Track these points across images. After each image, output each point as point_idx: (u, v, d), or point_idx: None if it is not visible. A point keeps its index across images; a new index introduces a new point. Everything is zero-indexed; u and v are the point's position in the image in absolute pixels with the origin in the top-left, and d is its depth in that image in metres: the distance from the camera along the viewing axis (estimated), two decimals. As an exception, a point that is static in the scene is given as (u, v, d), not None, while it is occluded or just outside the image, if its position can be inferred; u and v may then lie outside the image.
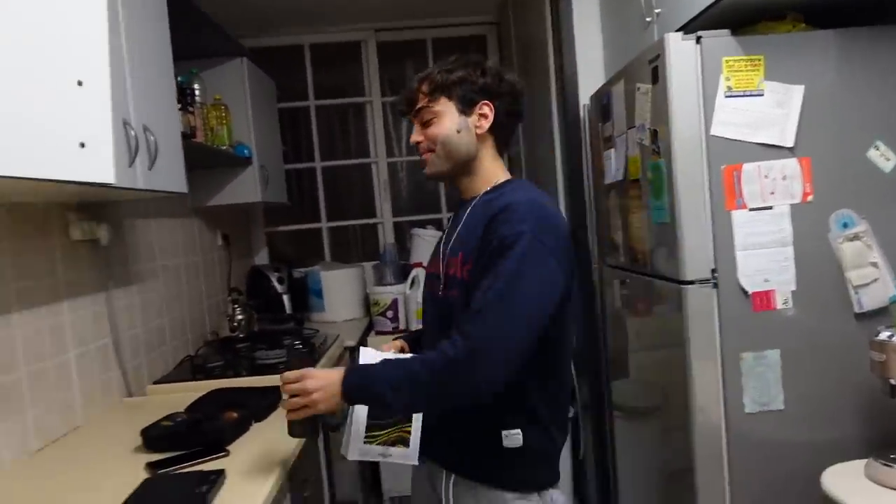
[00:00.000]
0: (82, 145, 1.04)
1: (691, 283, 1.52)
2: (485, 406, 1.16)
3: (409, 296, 3.01)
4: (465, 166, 1.29)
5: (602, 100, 2.05)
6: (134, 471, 1.34)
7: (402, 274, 3.20)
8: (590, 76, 2.31)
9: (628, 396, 2.11)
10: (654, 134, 1.62)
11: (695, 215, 1.51)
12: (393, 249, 3.41)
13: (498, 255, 1.12)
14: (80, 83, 1.03)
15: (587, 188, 2.33)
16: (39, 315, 1.59)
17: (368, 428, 1.25)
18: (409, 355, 1.26)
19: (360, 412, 1.25)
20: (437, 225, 3.57)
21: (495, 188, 1.29)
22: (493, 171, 1.30)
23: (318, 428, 1.26)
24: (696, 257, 1.52)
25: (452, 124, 1.26)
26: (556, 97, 2.45)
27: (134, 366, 2.04)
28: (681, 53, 1.51)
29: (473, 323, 1.09)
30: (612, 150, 1.96)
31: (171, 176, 1.75)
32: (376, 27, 3.50)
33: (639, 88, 1.70)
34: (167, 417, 1.57)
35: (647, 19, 1.84)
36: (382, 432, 1.24)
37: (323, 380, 1.16)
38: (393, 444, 1.25)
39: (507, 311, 1.09)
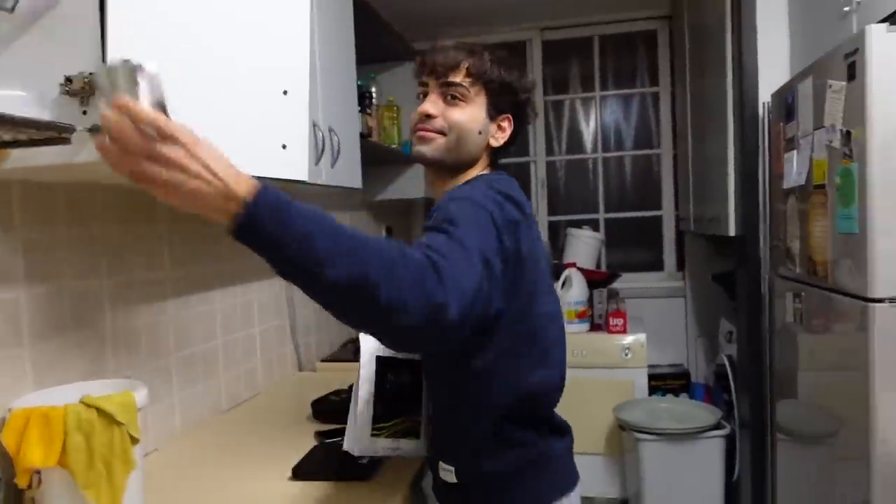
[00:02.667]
0: (284, 147, 1.18)
1: (880, 301, 1.37)
2: (437, 436, 1.07)
3: (561, 295, 2.99)
4: (459, 168, 1.13)
5: (786, 98, 1.90)
6: (305, 437, 1.49)
7: (555, 274, 3.19)
8: (772, 72, 2.15)
9: (796, 419, 1.95)
10: (847, 136, 1.48)
11: (889, 226, 1.36)
12: (547, 248, 3.41)
13: (438, 211, 0.95)
14: (285, 92, 1.16)
15: (762, 192, 2.17)
16: (235, 293, 1.82)
17: (375, 419, 1.12)
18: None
19: (362, 404, 1.11)
20: (594, 225, 3.52)
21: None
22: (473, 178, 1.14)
23: None
24: (887, 272, 1.36)
25: (477, 122, 1.11)
26: (733, 94, 2.30)
27: (305, 344, 2.26)
28: (884, 47, 1.37)
29: (434, 237, 0.87)
30: (795, 152, 1.81)
31: (349, 173, 1.91)
32: (542, 26, 3.51)
33: (830, 86, 1.56)
34: (334, 393, 1.73)
35: (846, 9, 1.68)
36: (389, 423, 1.13)
37: (221, 161, 0.73)
38: (403, 435, 1.13)
39: (460, 242, 0.86)
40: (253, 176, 0.75)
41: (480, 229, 0.91)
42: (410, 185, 2.83)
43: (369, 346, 1.17)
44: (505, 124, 1.15)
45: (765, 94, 2.13)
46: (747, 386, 2.29)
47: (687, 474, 2.58)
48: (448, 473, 1.08)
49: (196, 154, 0.71)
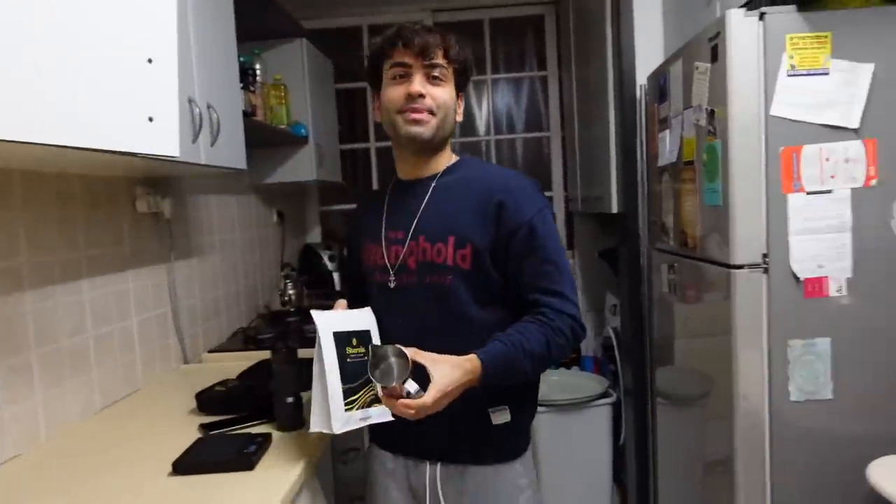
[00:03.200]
0: (151, 119, 1.09)
1: (740, 267, 1.48)
2: (471, 391, 1.15)
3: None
4: (442, 144, 1.28)
5: (659, 80, 2.00)
6: (188, 431, 1.42)
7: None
8: (648, 56, 2.25)
9: (673, 384, 2.08)
10: (712, 114, 1.58)
11: (749, 198, 1.47)
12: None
13: (534, 235, 1.20)
14: (150, 60, 1.08)
15: (640, 170, 2.28)
16: (106, 282, 1.69)
17: (343, 394, 1.15)
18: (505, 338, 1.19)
19: (333, 380, 1.14)
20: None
21: (456, 166, 1.30)
22: (448, 154, 1.32)
23: None
24: (747, 241, 1.48)
25: (453, 100, 1.25)
26: (613, 77, 2.40)
27: (191, 334, 2.14)
28: (742, 31, 1.47)
29: (564, 303, 1.19)
30: (668, 131, 1.92)
31: (231, 153, 1.81)
32: (434, 7, 3.50)
33: (697, 68, 1.66)
34: (220, 383, 1.65)
35: (709, -4, 1.79)
36: (357, 396, 1.17)
37: (457, 389, 1.10)
38: (370, 404, 1.17)
39: (571, 283, 1.22)
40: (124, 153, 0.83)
41: (568, 269, 1.23)
42: (301, 167, 2.75)
43: (326, 322, 1.19)
44: (461, 100, 1.30)
45: (642, 78, 2.24)
46: (630, 355, 2.42)
47: (578, 441, 2.71)
48: (503, 414, 1.25)
49: (450, 396, 1.09)
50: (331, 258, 3.26)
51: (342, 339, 1.19)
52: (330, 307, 1.28)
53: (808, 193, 1.45)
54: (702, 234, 1.70)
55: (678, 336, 2.00)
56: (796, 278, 1.46)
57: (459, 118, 1.29)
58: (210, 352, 2.22)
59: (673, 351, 2.05)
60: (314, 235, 3.65)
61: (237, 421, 1.45)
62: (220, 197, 2.47)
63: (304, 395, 1.43)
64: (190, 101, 1.53)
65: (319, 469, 1.37)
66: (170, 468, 1.20)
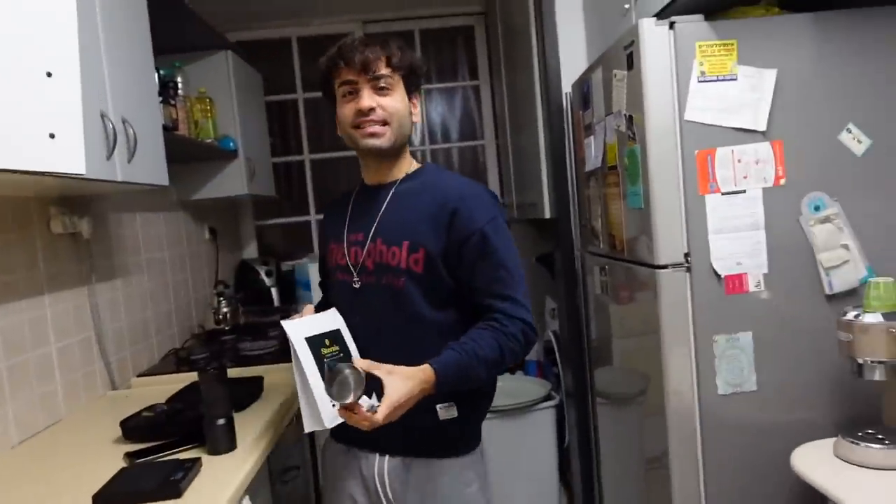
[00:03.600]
0: (52, 136, 1.04)
1: (664, 267, 1.53)
2: None
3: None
4: (402, 149, 1.36)
5: (582, 87, 2.05)
6: (113, 461, 1.36)
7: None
8: (572, 65, 2.31)
9: (611, 384, 2.13)
10: (630, 120, 1.63)
11: (668, 200, 1.52)
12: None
13: (486, 242, 1.27)
14: (49, 74, 1.03)
15: (570, 177, 2.33)
16: (19, 308, 1.60)
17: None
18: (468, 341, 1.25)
19: (316, 382, 1.20)
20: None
21: (416, 173, 1.38)
22: (409, 159, 1.39)
23: None
24: (669, 242, 1.52)
25: (405, 105, 1.31)
26: (540, 86, 2.44)
27: (118, 359, 2.05)
28: (654, 39, 1.52)
29: (516, 308, 1.26)
30: (592, 137, 1.97)
31: (151, 169, 1.75)
32: (364, 19, 3.49)
33: (615, 75, 1.71)
34: (148, 408, 1.59)
35: (626, 6, 1.85)
36: None
37: (411, 400, 1.15)
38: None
39: (523, 288, 1.28)
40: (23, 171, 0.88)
41: (521, 274, 1.30)
42: (231, 182, 2.68)
43: (296, 330, 1.25)
44: (416, 101, 1.35)
45: (567, 86, 2.29)
46: (570, 358, 2.46)
47: (524, 445, 2.73)
48: (450, 410, 1.29)
49: (403, 407, 1.14)
50: (268, 273, 3.19)
51: (315, 342, 1.25)
52: (270, 323, 1.30)
53: (724, 194, 1.51)
54: (628, 237, 1.74)
55: (614, 336, 2.04)
56: (717, 276, 1.52)
57: (417, 119, 1.36)
58: (139, 375, 2.13)
59: (610, 351, 2.09)
60: (251, 251, 3.57)
61: (165, 447, 1.39)
62: (145, 215, 2.38)
63: (238, 416, 1.39)
64: (102, 115, 1.47)
65: (255, 490, 1.33)
66: (90, 502, 1.14)
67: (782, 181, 1.51)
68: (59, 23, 1.04)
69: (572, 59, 2.33)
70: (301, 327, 1.26)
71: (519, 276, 1.29)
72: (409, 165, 1.39)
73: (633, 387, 1.86)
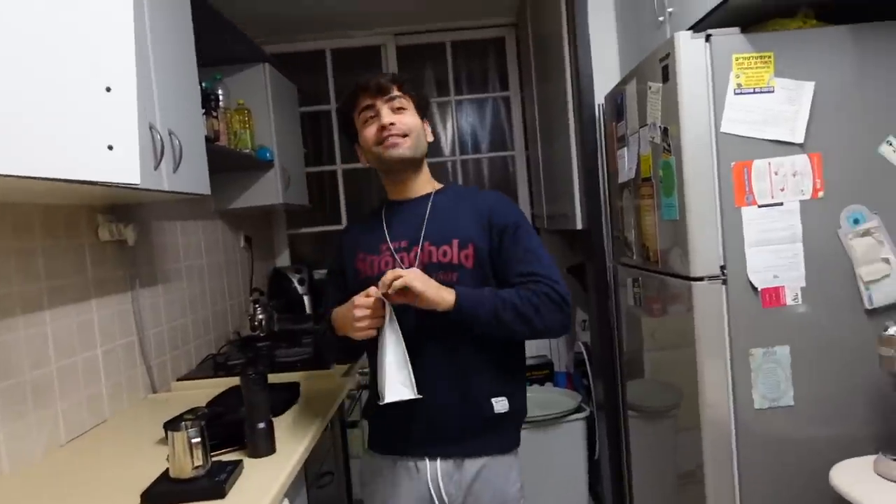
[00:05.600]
0: (110, 148, 1.09)
1: (700, 279, 1.53)
2: (472, 382, 1.36)
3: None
4: (420, 162, 1.48)
5: (616, 99, 2.06)
6: (157, 461, 1.39)
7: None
8: (605, 76, 2.32)
9: (643, 396, 2.12)
10: (665, 132, 1.63)
11: (704, 212, 1.52)
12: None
13: (518, 231, 1.39)
14: (108, 89, 1.08)
15: (602, 188, 2.34)
16: (69, 312, 1.66)
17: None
18: None
19: (396, 348, 1.30)
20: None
21: (445, 189, 1.51)
22: (429, 176, 1.51)
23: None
24: (705, 254, 1.52)
25: (418, 122, 1.45)
26: (572, 97, 2.46)
27: (159, 363, 2.11)
28: (690, 52, 1.52)
29: (552, 275, 1.34)
30: (626, 148, 1.98)
31: (194, 178, 1.81)
32: (396, 31, 3.55)
33: (650, 87, 1.72)
34: (189, 411, 1.62)
35: (660, 19, 1.86)
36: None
37: (430, 283, 1.29)
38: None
39: (550, 265, 1.38)
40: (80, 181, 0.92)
41: (548, 257, 1.40)
42: (266, 191, 2.74)
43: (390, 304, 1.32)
44: (427, 123, 1.49)
45: (600, 97, 2.30)
46: (601, 370, 2.45)
47: (554, 456, 2.72)
48: (502, 403, 1.37)
49: (422, 279, 1.29)
50: (300, 281, 3.25)
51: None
52: (303, 331, 1.35)
53: (760, 206, 1.50)
54: (662, 248, 1.74)
55: (646, 349, 2.04)
56: (754, 288, 1.51)
57: (430, 138, 1.49)
58: (179, 380, 2.18)
59: (642, 364, 2.08)
60: (283, 259, 3.63)
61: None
62: (185, 223, 2.45)
63: (275, 420, 1.42)
64: (151, 127, 1.53)
65: (293, 494, 1.36)
66: (139, 500, 1.18)
67: (820, 194, 1.50)
68: (118, 40, 1.09)
69: (605, 70, 2.34)
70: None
71: (546, 257, 1.39)
72: (431, 182, 1.51)
73: (666, 400, 1.85)
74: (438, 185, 1.51)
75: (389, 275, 1.26)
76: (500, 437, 1.41)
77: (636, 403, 2.19)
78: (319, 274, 3.39)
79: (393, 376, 1.29)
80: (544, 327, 1.32)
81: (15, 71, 0.93)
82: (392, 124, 1.39)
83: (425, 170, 1.50)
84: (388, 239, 1.44)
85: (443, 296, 1.28)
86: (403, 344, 1.30)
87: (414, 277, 1.26)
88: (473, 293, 1.31)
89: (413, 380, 1.29)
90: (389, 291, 1.27)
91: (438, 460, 1.39)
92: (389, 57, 3.59)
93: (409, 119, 1.42)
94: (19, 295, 1.49)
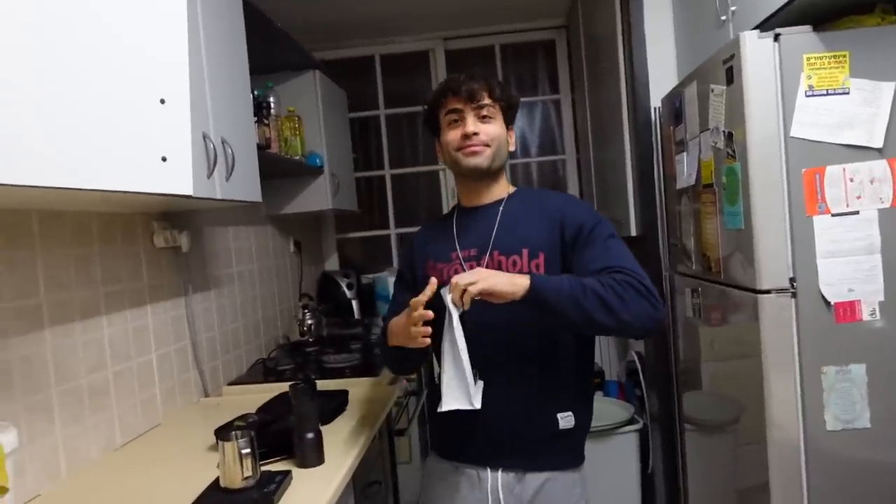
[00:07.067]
0: (164, 159, 1.10)
1: (767, 292, 1.45)
2: (540, 395, 1.32)
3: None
4: (499, 171, 1.44)
5: (674, 102, 1.99)
6: (209, 467, 1.40)
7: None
8: (661, 78, 2.25)
9: (700, 409, 2.03)
10: (730, 137, 1.56)
11: (772, 221, 1.44)
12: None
13: (594, 231, 1.31)
14: (162, 101, 1.09)
15: (658, 193, 2.26)
16: (125, 318, 1.70)
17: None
18: None
19: (458, 354, 1.21)
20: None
21: (517, 193, 1.45)
22: (505, 182, 1.47)
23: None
24: (772, 265, 1.44)
25: (503, 132, 1.41)
26: (627, 100, 2.39)
27: (210, 367, 2.14)
28: (757, 52, 1.45)
29: (637, 269, 1.23)
30: (684, 153, 1.90)
31: (246, 186, 1.82)
32: (445, 36, 3.53)
33: (712, 90, 1.64)
34: (239, 418, 1.63)
35: (722, 18, 1.78)
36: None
37: (500, 276, 1.20)
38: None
39: (633, 262, 1.26)
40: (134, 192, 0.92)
41: (631, 256, 1.29)
42: (316, 197, 2.75)
43: (451, 304, 1.22)
44: (512, 132, 1.45)
45: (656, 100, 2.22)
46: (655, 380, 2.37)
47: (606, 469, 2.64)
48: (568, 419, 1.33)
49: (494, 276, 1.20)
50: (349, 286, 3.25)
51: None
52: (351, 336, 1.31)
53: (834, 215, 1.41)
54: (725, 258, 1.66)
55: (704, 360, 1.95)
56: (826, 302, 1.42)
57: (512, 148, 1.46)
58: (230, 384, 2.21)
59: (700, 375, 2.00)
60: (332, 263, 3.65)
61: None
62: (237, 228, 2.48)
63: (324, 429, 1.41)
64: (204, 136, 1.54)
65: (341, 505, 1.35)
66: (190, 509, 1.19)
67: (902, 202, 1.40)
68: (172, 53, 1.09)
69: (661, 72, 2.26)
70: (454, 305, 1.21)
71: (632, 258, 1.27)
72: (506, 188, 1.46)
73: (726, 414, 1.77)
74: (512, 189, 1.47)
75: (457, 289, 1.17)
76: (564, 452, 1.38)
77: (693, 416, 2.11)
78: (367, 278, 3.39)
79: (451, 384, 1.24)
80: (631, 318, 1.17)
81: (72, 86, 0.94)
82: (476, 134, 1.36)
83: (502, 178, 1.46)
84: (457, 247, 1.42)
85: (516, 282, 1.17)
86: (466, 351, 1.21)
87: (484, 278, 1.17)
88: (550, 278, 1.21)
89: (472, 390, 1.22)
90: (464, 305, 1.17)
91: (500, 471, 1.35)
92: (438, 61, 3.57)
93: (493, 129, 1.38)
94: (78, 301, 1.52)
